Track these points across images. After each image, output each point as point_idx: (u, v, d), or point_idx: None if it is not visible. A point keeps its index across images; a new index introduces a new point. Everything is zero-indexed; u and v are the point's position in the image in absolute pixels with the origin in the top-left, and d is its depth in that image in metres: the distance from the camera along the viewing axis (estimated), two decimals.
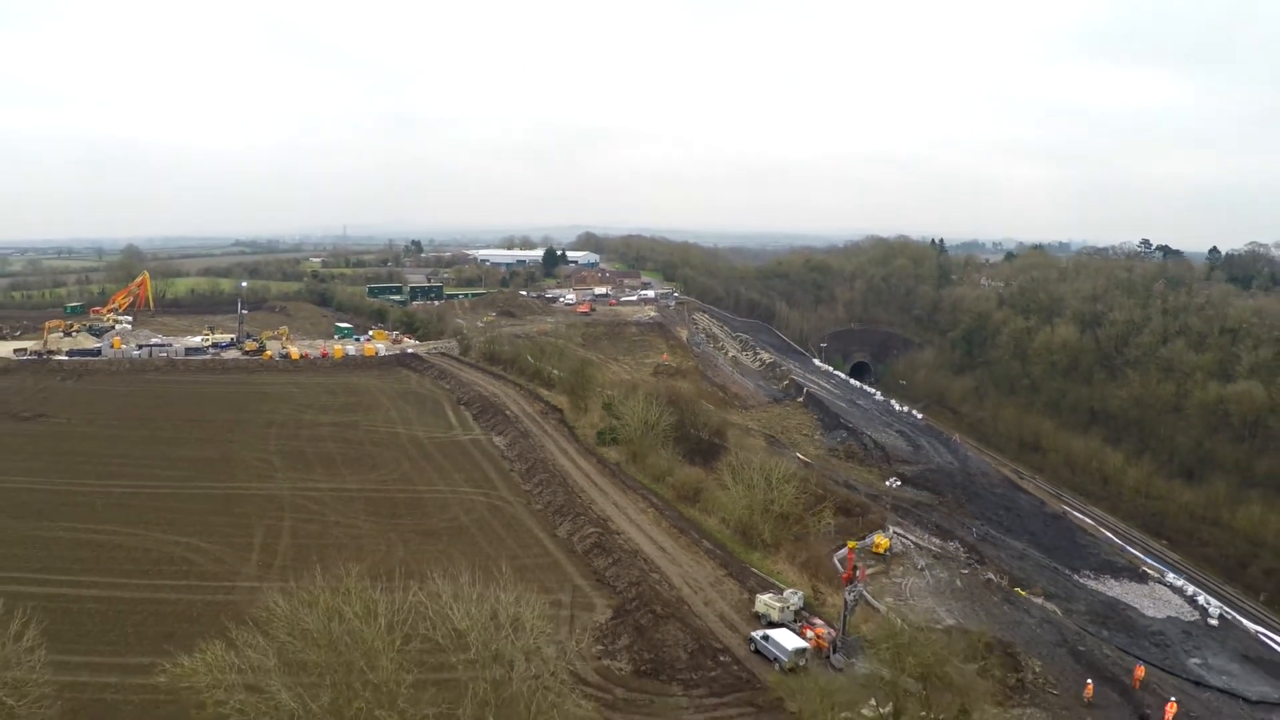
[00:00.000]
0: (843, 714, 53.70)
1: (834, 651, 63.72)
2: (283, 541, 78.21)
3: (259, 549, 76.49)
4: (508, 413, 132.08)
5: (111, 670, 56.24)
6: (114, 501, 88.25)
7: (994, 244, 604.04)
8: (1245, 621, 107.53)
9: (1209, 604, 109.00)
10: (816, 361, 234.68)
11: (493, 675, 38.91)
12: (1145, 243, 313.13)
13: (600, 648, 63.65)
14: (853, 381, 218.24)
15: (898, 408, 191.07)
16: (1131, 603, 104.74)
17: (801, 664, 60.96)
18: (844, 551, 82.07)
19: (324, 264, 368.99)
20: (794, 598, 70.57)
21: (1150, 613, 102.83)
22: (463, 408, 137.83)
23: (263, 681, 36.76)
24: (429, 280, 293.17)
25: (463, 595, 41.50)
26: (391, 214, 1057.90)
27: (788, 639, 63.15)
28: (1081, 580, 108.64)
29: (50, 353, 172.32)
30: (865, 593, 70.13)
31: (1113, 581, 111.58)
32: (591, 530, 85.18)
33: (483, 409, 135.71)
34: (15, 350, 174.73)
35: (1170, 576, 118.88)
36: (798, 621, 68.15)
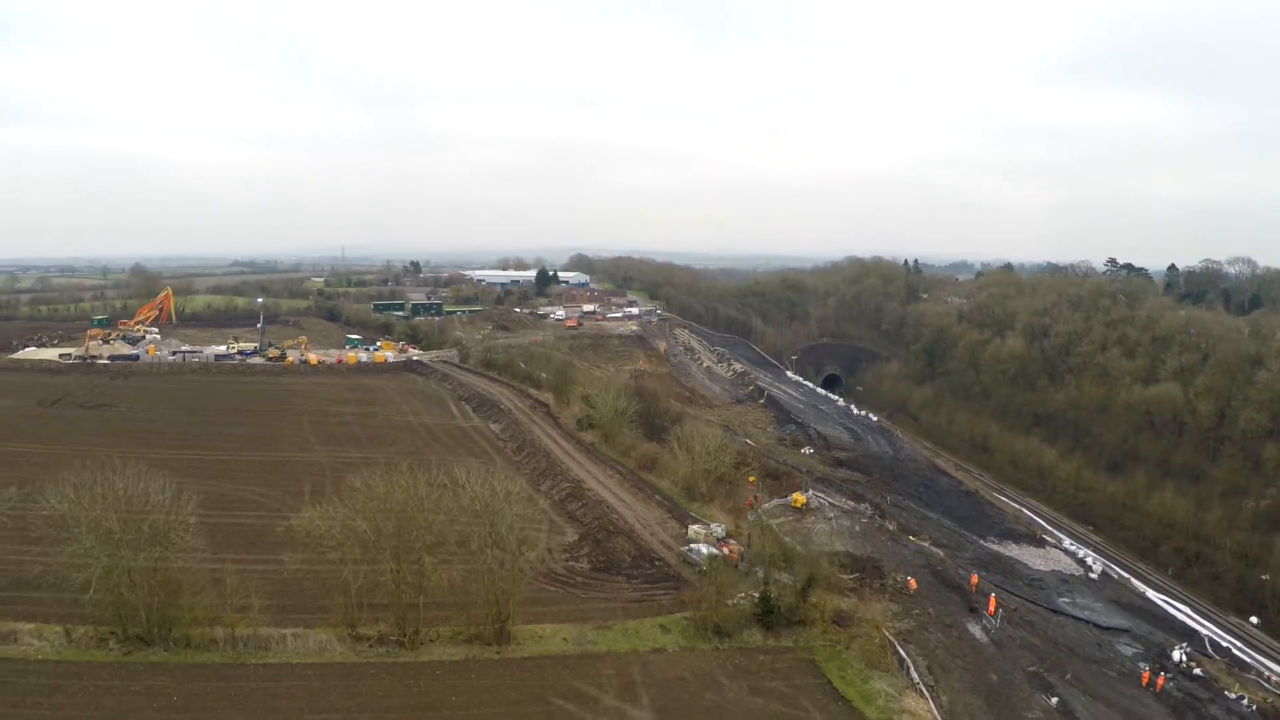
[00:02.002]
0: (738, 595, 78.55)
1: (741, 560, 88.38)
2: (328, 489, 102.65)
3: (309, 494, 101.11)
4: (502, 406, 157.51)
5: (215, 561, 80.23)
6: (185, 464, 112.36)
7: (983, 264, 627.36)
8: (1138, 584, 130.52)
9: (1094, 562, 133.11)
10: (789, 373, 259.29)
11: (489, 523, 64.24)
12: (1112, 261, 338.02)
13: (567, 555, 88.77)
14: (819, 390, 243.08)
15: (856, 412, 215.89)
16: (1021, 559, 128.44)
17: (712, 566, 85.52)
18: (779, 502, 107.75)
19: (326, 283, 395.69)
20: (718, 529, 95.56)
21: (1036, 566, 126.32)
22: (463, 403, 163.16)
23: (350, 520, 61.81)
24: (429, 298, 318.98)
25: (472, 476, 66.76)
26: (388, 235, 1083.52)
27: (705, 549, 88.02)
28: (986, 544, 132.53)
29: (93, 357, 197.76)
30: (762, 515, 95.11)
31: (1012, 544, 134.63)
32: (566, 485, 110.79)
33: (480, 404, 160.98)
34: (60, 355, 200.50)
35: (1067, 543, 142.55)
36: (719, 544, 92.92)
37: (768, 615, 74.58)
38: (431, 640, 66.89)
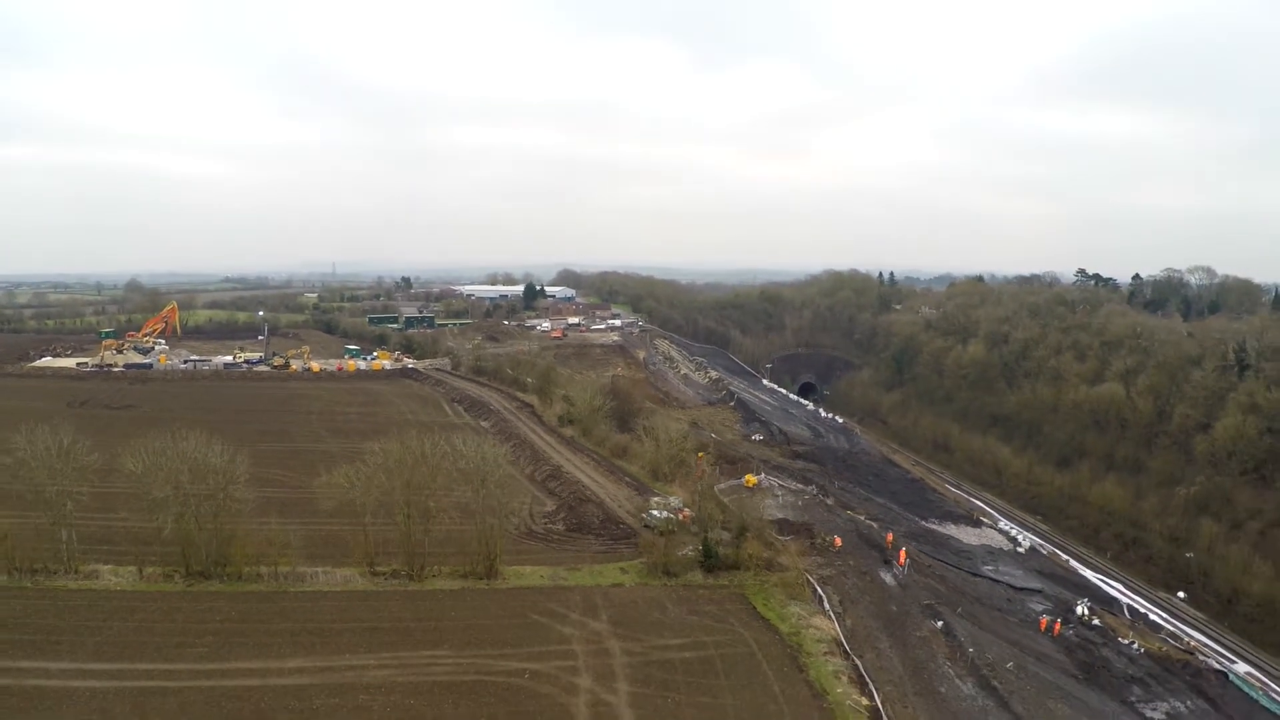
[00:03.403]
0: (687, 548, 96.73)
1: (693, 524, 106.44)
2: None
3: (325, 473, 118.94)
4: (491, 407, 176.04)
5: (254, 523, 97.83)
6: None
7: (967, 277, 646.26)
8: (1076, 565, 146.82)
9: (1023, 539, 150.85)
10: (765, 381, 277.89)
11: (480, 478, 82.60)
12: (1081, 271, 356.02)
13: (546, 520, 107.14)
14: (792, 396, 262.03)
15: (824, 415, 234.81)
16: (956, 536, 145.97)
17: (667, 528, 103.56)
18: (733, 482, 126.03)
19: (320, 298, 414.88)
20: (675, 501, 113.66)
21: (969, 541, 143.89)
22: (456, 404, 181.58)
23: (371, 475, 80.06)
24: (421, 312, 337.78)
25: (467, 443, 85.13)
26: (378, 252, 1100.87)
27: (661, 513, 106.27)
28: (923, 523, 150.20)
29: (109, 366, 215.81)
30: (709, 485, 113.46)
31: (950, 524, 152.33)
32: (547, 468, 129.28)
33: (471, 405, 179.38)
34: (78, 364, 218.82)
35: (1002, 524, 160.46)
36: (676, 511, 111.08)
37: (708, 559, 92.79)
38: (434, 575, 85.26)
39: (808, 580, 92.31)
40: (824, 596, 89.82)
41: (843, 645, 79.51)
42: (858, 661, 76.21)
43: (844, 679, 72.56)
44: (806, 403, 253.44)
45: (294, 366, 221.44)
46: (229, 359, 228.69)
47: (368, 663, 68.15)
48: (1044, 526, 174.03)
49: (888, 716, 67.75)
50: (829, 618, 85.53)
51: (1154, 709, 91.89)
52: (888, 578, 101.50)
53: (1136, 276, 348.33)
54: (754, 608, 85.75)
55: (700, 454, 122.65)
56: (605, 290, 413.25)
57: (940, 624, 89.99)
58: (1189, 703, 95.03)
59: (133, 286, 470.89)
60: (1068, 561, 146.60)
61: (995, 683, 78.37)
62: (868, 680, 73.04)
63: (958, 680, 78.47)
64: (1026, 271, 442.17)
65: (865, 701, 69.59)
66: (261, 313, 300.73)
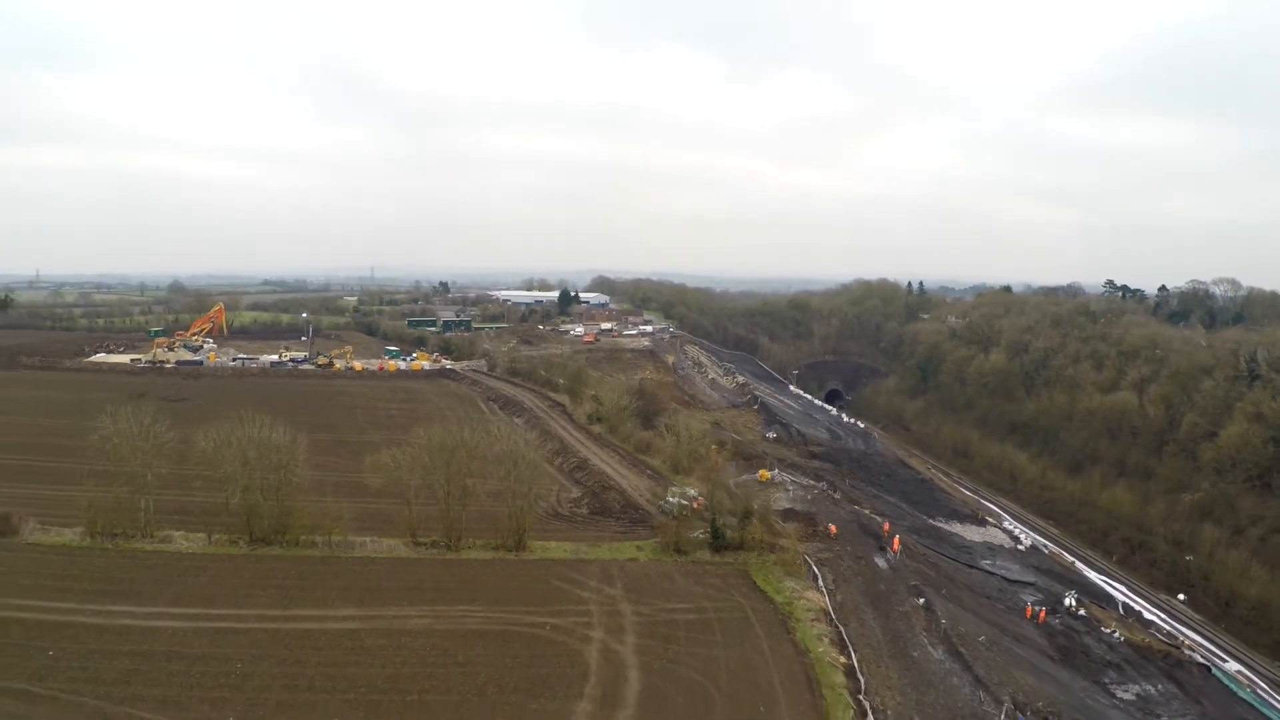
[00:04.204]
0: (698, 531, 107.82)
1: (706, 511, 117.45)
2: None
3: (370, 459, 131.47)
4: (524, 405, 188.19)
5: (308, 498, 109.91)
6: None
7: (1000, 287, 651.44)
8: (1082, 566, 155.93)
9: (1025, 537, 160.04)
10: (792, 387, 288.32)
11: (511, 462, 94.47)
12: (1109, 283, 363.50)
13: (571, 504, 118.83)
14: (817, 402, 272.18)
15: (846, 420, 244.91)
16: (959, 533, 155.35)
17: (682, 513, 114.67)
18: (748, 476, 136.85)
19: (360, 302, 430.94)
20: (690, 490, 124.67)
21: (971, 538, 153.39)
22: (491, 402, 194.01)
23: (419, 457, 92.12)
24: (458, 315, 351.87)
25: (502, 428, 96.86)
26: (416, 256, 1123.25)
27: (676, 500, 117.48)
28: (929, 520, 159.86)
29: (161, 362, 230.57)
30: (721, 475, 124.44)
31: (955, 523, 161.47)
32: (575, 460, 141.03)
33: (505, 404, 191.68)
34: (132, 360, 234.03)
35: (1006, 523, 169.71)
36: (691, 500, 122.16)
37: (716, 539, 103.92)
38: (469, 547, 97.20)
39: (805, 560, 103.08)
40: (818, 574, 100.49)
41: (830, 615, 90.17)
42: (841, 628, 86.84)
43: (826, 641, 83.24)
44: (830, 408, 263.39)
45: (337, 366, 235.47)
46: (275, 358, 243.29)
47: (410, 613, 79.98)
48: (1055, 530, 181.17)
49: (861, 673, 78.27)
50: (821, 592, 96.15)
51: (1125, 690, 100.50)
52: (881, 562, 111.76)
53: (1163, 288, 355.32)
54: (754, 581, 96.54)
55: (714, 447, 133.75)
56: (638, 297, 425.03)
57: (922, 601, 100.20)
58: (1160, 686, 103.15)
59: (175, 288, 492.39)
60: (1073, 563, 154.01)
61: (962, 649, 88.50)
62: (848, 643, 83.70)
63: (930, 647, 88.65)
64: (1058, 282, 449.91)
65: (843, 660, 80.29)
66: (305, 314, 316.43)
